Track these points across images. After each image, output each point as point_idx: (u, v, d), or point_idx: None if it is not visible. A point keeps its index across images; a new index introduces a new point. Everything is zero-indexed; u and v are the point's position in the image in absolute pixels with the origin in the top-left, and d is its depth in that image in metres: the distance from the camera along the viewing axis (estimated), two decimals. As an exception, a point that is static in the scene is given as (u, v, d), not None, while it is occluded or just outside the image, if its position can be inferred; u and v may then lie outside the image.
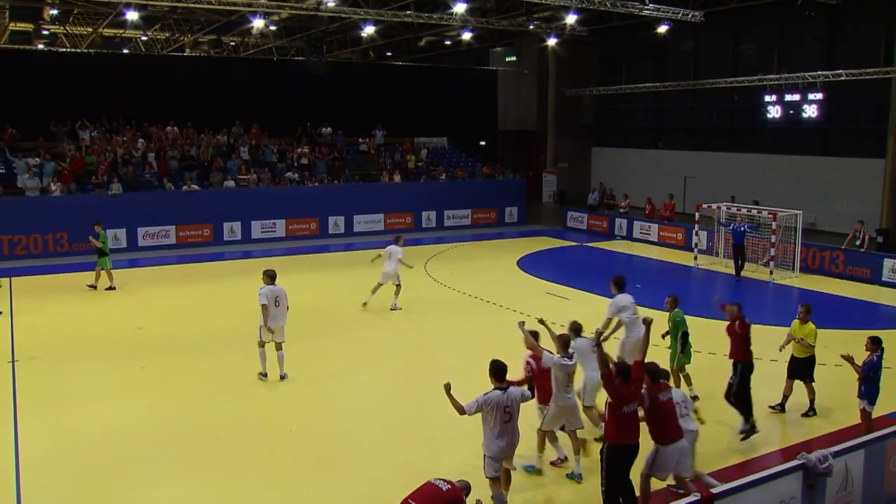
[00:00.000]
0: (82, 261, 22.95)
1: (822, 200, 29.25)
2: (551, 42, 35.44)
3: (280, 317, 11.80)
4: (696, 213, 23.96)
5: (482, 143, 40.88)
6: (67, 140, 26.97)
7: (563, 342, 8.74)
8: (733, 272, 21.82)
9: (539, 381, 8.62)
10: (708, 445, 10.10)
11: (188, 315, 16.28)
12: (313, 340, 14.92)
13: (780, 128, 30.61)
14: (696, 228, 23.93)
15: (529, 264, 23.33)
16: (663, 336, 12.22)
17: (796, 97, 28.90)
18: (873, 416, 9.87)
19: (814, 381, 11.21)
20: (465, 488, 6.49)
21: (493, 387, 7.58)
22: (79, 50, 37.61)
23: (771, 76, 29.87)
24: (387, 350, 14.31)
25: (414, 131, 35.25)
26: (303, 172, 29.56)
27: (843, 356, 9.70)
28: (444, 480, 6.40)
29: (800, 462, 7.26)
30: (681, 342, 11.38)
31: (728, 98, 33.70)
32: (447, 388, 7.49)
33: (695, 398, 11.86)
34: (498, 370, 7.60)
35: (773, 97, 29.67)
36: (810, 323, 11.08)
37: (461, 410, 7.47)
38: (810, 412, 11.19)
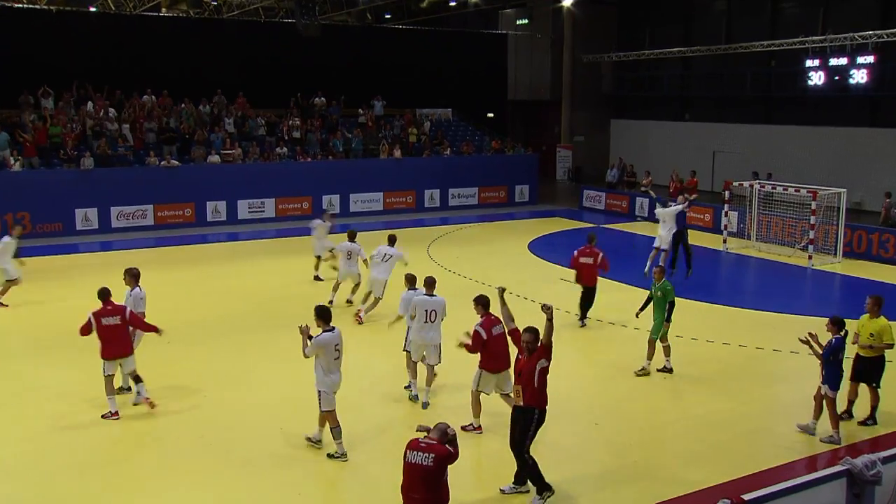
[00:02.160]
0: (48, 243, 22.91)
1: (870, 177, 28.85)
2: (567, 2, 35.11)
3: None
4: (726, 192, 23.73)
5: (490, 114, 40.63)
6: (29, 108, 26.68)
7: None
8: (764, 256, 21.74)
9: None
10: (742, 445, 10.04)
11: (168, 304, 16.16)
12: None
13: (824, 96, 30.15)
14: (726, 208, 23.75)
15: (542, 247, 23.25)
16: (637, 314, 12.73)
17: (843, 61, 28.35)
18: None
19: (879, 387, 10.71)
20: (442, 431, 6.79)
21: (321, 330, 9.14)
22: (38, 6, 37.00)
23: (814, 38, 29.41)
24: (381, 341, 14.22)
25: (416, 102, 35.08)
26: (294, 147, 29.43)
27: (801, 340, 9.91)
28: (421, 449, 6.64)
29: (844, 468, 7.13)
30: (668, 311, 12.14)
31: (764, 63, 33.33)
32: (303, 330, 9.15)
33: (668, 370, 12.33)
34: (324, 313, 9.22)
35: (816, 62, 29.16)
36: (882, 318, 10.59)
37: (305, 355, 9.18)
38: (869, 421, 10.67)
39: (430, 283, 10.90)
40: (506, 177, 32.30)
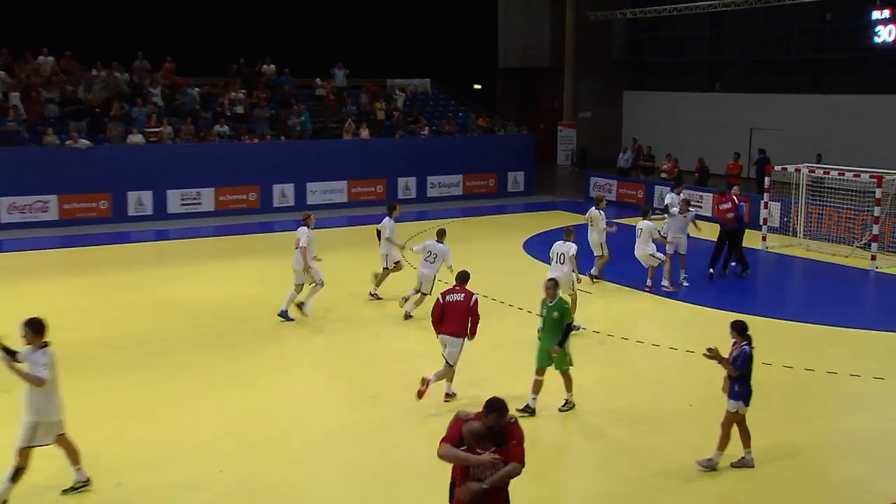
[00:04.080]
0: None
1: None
2: (571, -53, 35.05)
3: None
4: (766, 179, 23.73)
5: (477, 86, 40.56)
6: None
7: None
8: (814, 257, 21.64)
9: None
10: (798, 489, 9.82)
11: (74, 319, 15.85)
12: (248, 347, 14.66)
13: (894, 56, 30.00)
14: (766, 199, 23.71)
15: (540, 247, 22.89)
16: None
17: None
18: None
19: None
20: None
21: (36, 347, 9.23)
22: None
23: (885, -18, 29.47)
24: (334, 363, 14.25)
25: (386, 71, 34.98)
26: (237, 125, 29.17)
27: (706, 354, 9.94)
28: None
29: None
30: (563, 335, 11.78)
31: (816, 18, 33.31)
32: (5, 357, 9.05)
33: (569, 406, 11.96)
34: (40, 326, 9.35)
35: (885, 13, 28.94)
36: None
37: (41, 381, 9.09)
38: None
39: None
40: (496, 162, 32.21)
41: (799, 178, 23.48)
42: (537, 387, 11.81)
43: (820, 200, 23.41)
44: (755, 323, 15.93)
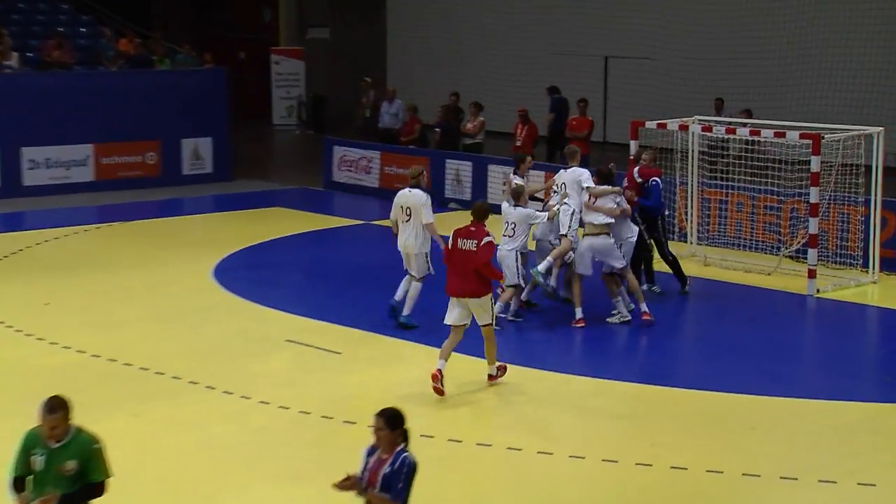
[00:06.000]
0: None
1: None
2: None
3: None
4: (632, 143, 24.26)
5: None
6: None
7: None
8: (715, 276, 22.81)
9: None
10: None
11: None
12: None
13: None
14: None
15: (243, 275, 23.28)
16: None
17: None
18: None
19: None
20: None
21: None
22: None
23: None
24: None
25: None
26: None
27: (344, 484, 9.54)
28: None
29: None
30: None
31: None
32: None
33: None
34: None
35: None
36: None
37: None
38: None
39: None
40: (157, 122, 32.36)
41: (688, 142, 24.20)
42: None
43: (723, 179, 24.46)
44: (624, 393, 16.72)
